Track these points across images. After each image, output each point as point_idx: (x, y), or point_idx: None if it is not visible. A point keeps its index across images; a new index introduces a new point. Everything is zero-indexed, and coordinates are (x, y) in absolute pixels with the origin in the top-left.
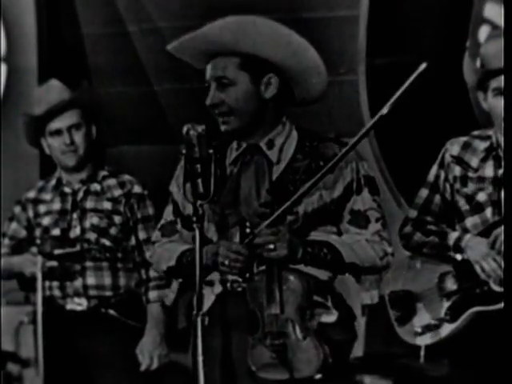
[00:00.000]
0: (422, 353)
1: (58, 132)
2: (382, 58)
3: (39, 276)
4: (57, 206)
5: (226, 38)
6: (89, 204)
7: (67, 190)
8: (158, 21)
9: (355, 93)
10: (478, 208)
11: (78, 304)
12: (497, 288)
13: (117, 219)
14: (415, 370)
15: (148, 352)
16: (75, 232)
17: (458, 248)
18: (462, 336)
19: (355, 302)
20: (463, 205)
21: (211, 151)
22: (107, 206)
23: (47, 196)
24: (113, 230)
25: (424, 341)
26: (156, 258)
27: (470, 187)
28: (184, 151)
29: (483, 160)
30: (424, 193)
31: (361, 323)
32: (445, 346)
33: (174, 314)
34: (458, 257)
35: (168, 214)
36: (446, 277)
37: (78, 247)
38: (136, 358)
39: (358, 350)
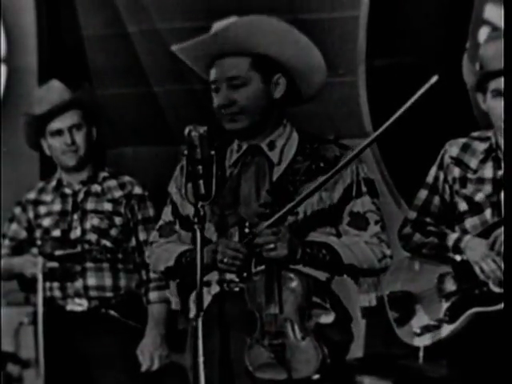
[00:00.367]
0: (421, 354)
1: (58, 132)
2: (381, 59)
3: (40, 277)
4: (57, 207)
5: (241, 37)
6: (89, 205)
7: (67, 191)
8: (157, 22)
9: (355, 94)
10: (477, 209)
11: (79, 305)
12: (496, 289)
13: (117, 220)
14: (415, 371)
15: (149, 353)
16: (76, 233)
17: (457, 249)
18: (462, 337)
19: (353, 304)
20: (462, 206)
21: (213, 152)
22: (108, 207)
23: (47, 197)
24: (113, 231)
25: (423, 342)
26: (154, 258)
27: (469, 188)
28: (186, 152)
29: (482, 161)
30: (423, 194)
31: (361, 325)
32: (444, 347)
33: (173, 315)
34: (458, 258)
35: (166, 215)
36: (445, 278)
37: (78, 248)
38: (136, 358)
39: (357, 350)
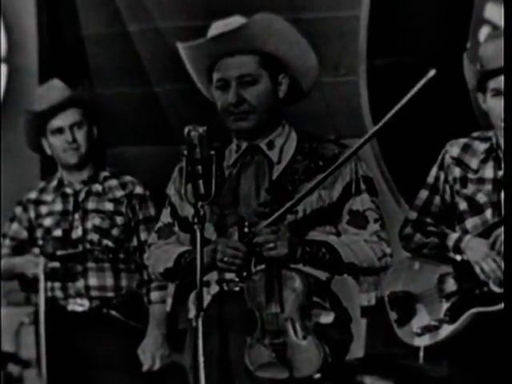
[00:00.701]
0: (421, 353)
1: (59, 130)
2: (382, 58)
3: (41, 277)
4: (58, 206)
5: (255, 36)
6: (90, 205)
7: (69, 190)
8: (158, 21)
9: (356, 93)
10: (477, 209)
11: (80, 305)
12: (496, 289)
13: (119, 220)
14: (415, 371)
15: (150, 353)
16: (77, 233)
17: (457, 249)
18: (462, 337)
19: (353, 304)
20: (463, 206)
21: (212, 152)
22: (109, 206)
23: (48, 197)
24: (115, 231)
25: (423, 342)
26: (153, 260)
27: (470, 188)
28: (185, 152)
29: (483, 161)
30: (424, 194)
31: (361, 325)
32: (444, 347)
33: (174, 315)
34: (458, 258)
35: (165, 217)
36: (445, 278)
37: (80, 248)
38: (137, 358)
39: (358, 350)
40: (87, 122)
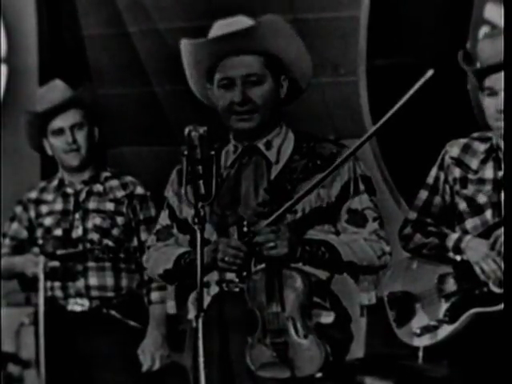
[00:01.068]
0: (421, 354)
1: (60, 131)
2: (382, 59)
3: (41, 276)
4: (59, 206)
5: (261, 37)
6: (91, 205)
7: (69, 190)
8: (158, 22)
9: (355, 94)
10: (477, 210)
11: (80, 305)
12: (496, 289)
13: (119, 220)
14: (415, 371)
15: (150, 353)
16: (77, 232)
17: (457, 249)
18: (462, 337)
19: (352, 304)
20: (463, 206)
21: (213, 152)
22: (110, 206)
23: (49, 196)
24: (115, 231)
25: (423, 342)
26: (152, 261)
27: (470, 189)
28: (186, 152)
29: (483, 162)
30: (424, 194)
31: (361, 323)
32: (444, 348)
33: (174, 315)
34: (458, 258)
35: (164, 219)
36: (445, 278)
37: (80, 247)
38: (137, 358)
39: (358, 351)
40: (88, 123)
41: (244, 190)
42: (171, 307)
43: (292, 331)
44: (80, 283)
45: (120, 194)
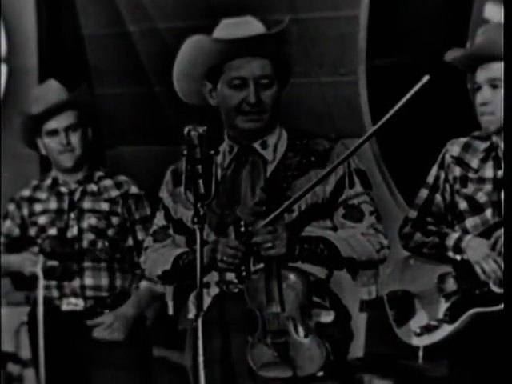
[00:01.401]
0: (421, 353)
1: (54, 132)
2: (382, 58)
3: (41, 275)
4: (53, 205)
5: (280, 42)
6: (86, 204)
7: (63, 189)
8: (158, 21)
9: (355, 93)
10: (478, 209)
11: (75, 304)
12: (496, 289)
13: (114, 220)
14: (415, 371)
15: (110, 320)
16: (72, 232)
17: (458, 249)
18: (462, 337)
19: (350, 302)
20: (463, 205)
21: (212, 152)
22: (105, 206)
23: (42, 195)
24: (110, 232)
25: (423, 341)
26: (150, 263)
27: (470, 188)
28: (185, 152)
29: (483, 160)
30: (424, 193)
31: (361, 324)
32: (444, 347)
33: (174, 315)
34: (458, 257)
35: (159, 220)
36: (445, 277)
37: (76, 247)
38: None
39: (358, 350)
40: (82, 124)
41: (241, 191)
42: (170, 308)
43: (292, 331)
44: (76, 283)
45: (114, 193)
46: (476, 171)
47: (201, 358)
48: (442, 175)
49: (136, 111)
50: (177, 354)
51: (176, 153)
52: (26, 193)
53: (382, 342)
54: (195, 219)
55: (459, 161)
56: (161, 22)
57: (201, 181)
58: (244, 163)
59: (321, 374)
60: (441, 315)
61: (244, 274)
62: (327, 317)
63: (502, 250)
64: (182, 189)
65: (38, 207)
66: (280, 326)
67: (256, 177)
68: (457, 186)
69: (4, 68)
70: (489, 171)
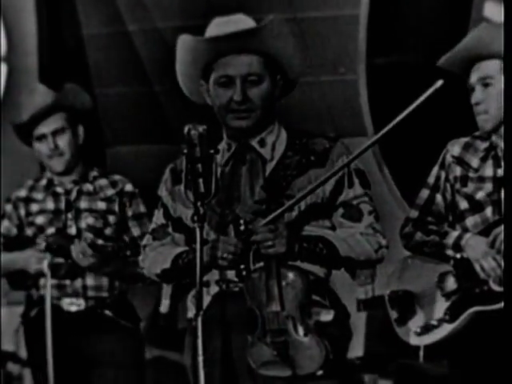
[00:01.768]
0: (421, 352)
1: (42, 137)
2: (382, 57)
3: (48, 273)
4: (50, 205)
5: (265, 38)
6: (83, 204)
7: (59, 189)
8: (158, 20)
9: (355, 92)
10: (478, 207)
11: (76, 305)
12: (496, 287)
13: (111, 219)
14: (415, 370)
15: (83, 250)
16: (71, 232)
17: (457, 247)
18: (462, 336)
19: (348, 300)
20: (463, 205)
21: (212, 151)
22: (101, 206)
23: (39, 195)
24: (108, 231)
25: (423, 341)
26: (149, 261)
27: (470, 187)
28: (185, 151)
29: (483, 159)
30: (425, 193)
31: (360, 324)
32: (444, 346)
33: (173, 315)
34: (458, 255)
35: (158, 218)
36: (445, 276)
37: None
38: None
39: (358, 349)
40: (71, 126)
41: (240, 189)
42: (165, 306)
43: (292, 330)
44: (78, 283)
45: (110, 192)
46: (476, 170)
47: (200, 358)
48: (443, 175)
49: (136, 110)
50: (177, 354)
51: (176, 152)
52: (22, 193)
53: (382, 341)
54: (195, 218)
55: (460, 160)
56: (161, 21)
57: (201, 180)
58: (242, 161)
59: (320, 372)
60: (441, 314)
61: (244, 272)
62: (327, 315)
63: (502, 247)
64: (181, 187)
65: (34, 207)
66: (280, 325)
67: (254, 175)
68: (457, 186)
69: (4, 68)
70: (489, 170)
